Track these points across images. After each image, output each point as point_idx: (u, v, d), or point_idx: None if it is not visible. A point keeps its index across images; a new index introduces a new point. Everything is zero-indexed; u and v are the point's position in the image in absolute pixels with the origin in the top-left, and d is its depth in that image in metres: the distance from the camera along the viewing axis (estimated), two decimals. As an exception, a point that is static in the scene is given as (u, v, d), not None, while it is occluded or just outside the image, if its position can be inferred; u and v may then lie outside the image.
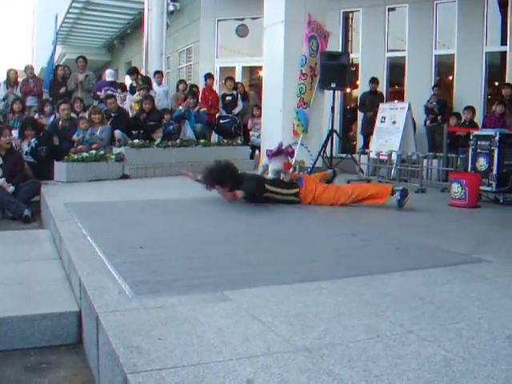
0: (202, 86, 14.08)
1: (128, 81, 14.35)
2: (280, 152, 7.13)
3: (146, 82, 12.94)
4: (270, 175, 6.98)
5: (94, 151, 9.37)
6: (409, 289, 3.30)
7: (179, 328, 2.54)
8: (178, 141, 10.71)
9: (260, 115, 12.11)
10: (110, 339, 2.38)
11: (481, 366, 2.25)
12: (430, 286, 3.37)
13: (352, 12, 15.07)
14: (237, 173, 6.77)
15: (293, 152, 7.59)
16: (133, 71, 14.49)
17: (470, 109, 11.22)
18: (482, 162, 7.53)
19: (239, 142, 12.13)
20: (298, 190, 6.77)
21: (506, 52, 12.49)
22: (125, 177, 9.53)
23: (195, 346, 2.35)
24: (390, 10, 14.27)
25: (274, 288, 3.19)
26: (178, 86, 13.84)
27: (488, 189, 7.45)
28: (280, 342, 2.41)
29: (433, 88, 12.69)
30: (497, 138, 7.36)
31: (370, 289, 3.26)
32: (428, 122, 12.32)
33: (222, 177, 6.57)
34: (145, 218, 5.66)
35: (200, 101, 12.62)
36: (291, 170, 7.97)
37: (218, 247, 4.26)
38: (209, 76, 13.51)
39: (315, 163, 10.74)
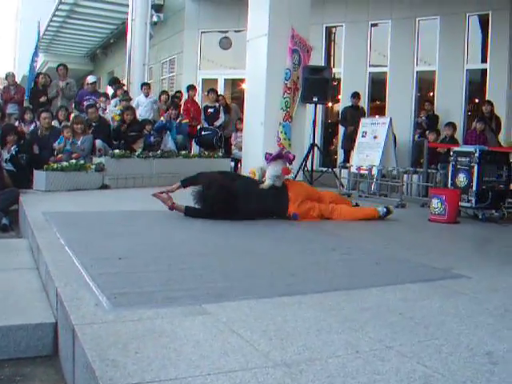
0: (184, 97, 14.07)
1: (110, 91, 14.31)
2: (280, 156, 6.93)
3: (127, 93, 12.94)
4: (268, 181, 6.70)
5: (74, 161, 9.30)
6: (388, 304, 3.30)
7: (157, 341, 2.51)
8: (158, 152, 10.67)
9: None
10: (86, 352, 2.35)
11: (460, 382, 2.24)
12: (410, 302, 3.37)
13: (335, 27, 15.18)
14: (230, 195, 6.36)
15: (293, 158, 7.33)
16: (114, 81, 14.47)
17: (451, 125, 11.31)
18: (461, 178, 7.56)
19: (220, 154, 12.11)
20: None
21: (486, 69, 12.63)
22: (105, 187, 9.47)
23: (173, 359, 2.32)
24: (372, 25, 14.40)
25: (253, 302, 3.17)
26: (160, 97, 13.83)
27: (467, 205, 7.49)
28: (259, 357, 2.39)
29: (426, 103, 12.81)
30: (477, 155, 7.40)
31: (350, 303, 3.25)
32: (416, 137, 12.40)
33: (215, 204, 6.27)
34: (124, 228, 5.62)
35: (182, 112, 12.59)
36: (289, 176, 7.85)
37: (198, 259, 4.23)
38: (191, 87, 13.50)
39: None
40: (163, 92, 14.55)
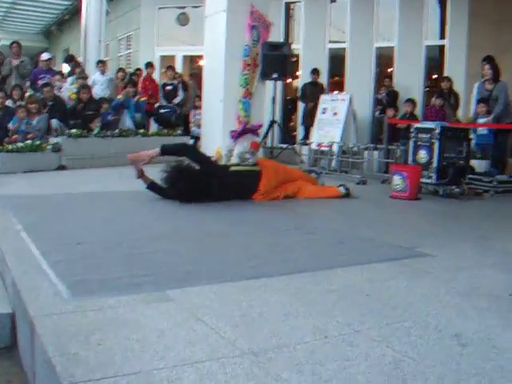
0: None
1: (65, 69, 13.98)
2: (245, 132, 6.68)
3: (83, 71, 12.67)
4: (235, 159, 6.51)
5: (29, 141, 9.07)
6: (354, 285, 3.26)
7: (119, 332, 2.41)
8: (116, 131, 10.47)
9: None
10: (46, 346, 2.24)
11: (430, 366, 2.21)
12: (376, 282, 3.33)
13: (294, 3, 15.04)
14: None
15: (260, 127, 7.11)
16: (70, 59, 14.17)
17: (411, 101, 11.33)
18: (422, 155, 7.58)
19: (179, 132, 11.96)
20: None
21: (444, 46, 12.67)
22: (62, 168, 9.27)
23: (136, 351, 2.23)
24: (331, 1, 14.30)
25: (217, 286, 3.09)
26: (117, 75, 13.55)
27: (428, 181, 7.51)
28: (225, 346, 2.32)
29: (386, 79, 12.81)
30: (437, 131, 7.42)
31: (316, 285, 3.20)
32: (377, 113, 12.41)
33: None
34: (83, 211, 5.48)
35: (140, 90, 12.36)
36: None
37: (160, 243, 4.13)
38: (149, 65, 13.26)
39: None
40: (120, 69, 14.25)
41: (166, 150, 6.41)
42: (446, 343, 2.45)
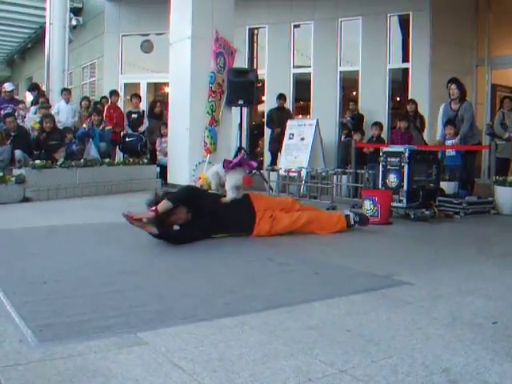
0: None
1: (29, 97, 13.78)
2: (241, 163, 6.18)
3: (47, 100, 12.47)
4: (230, 194, 5.91)
5: (-8, 173, 8.85)
6: (334, 320, 3.15)
7: (90, 382, 2.26)
8: (81, 160, 10.28)
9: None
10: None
11: (421, 409, 2.11)
12: (356, 315, 3.23)
13: (258, 28, 15.08)
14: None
15: (256, 165, 6.62)
16: (34, 87, 13.96)
17: (378, 125, 11.36)
18: (392, 179, 7.55)
19: (145, 160, 11.82)
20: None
21: (408, 69, 12.78)
22: (26, 200, 9.05)
23: (110, 404, 2.09)
24: (295, 26, 14.39)
25: (192, 326, 2.94)
26: (81, 103, 13.39)
27: (399, 205, 7.48)
28: (204, 393, 2.19)
29: (351, 103, 12.86)
30: (406, 155, 7.40)
31: (294, 322, 3.08)
32: (343, 137, 12.43)
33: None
34: (48, 246, 5.28)
35: (105, 118, 12.19)
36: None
37: (130, 280, 3.96)
38: (114, 93, 13.12)
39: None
40: (84, 98, 14.11)
41: (177, 201, 5.50)
42: (436, 380, 2.35)
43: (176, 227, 5.62)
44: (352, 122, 12.34)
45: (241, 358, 2.54)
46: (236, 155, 11.00)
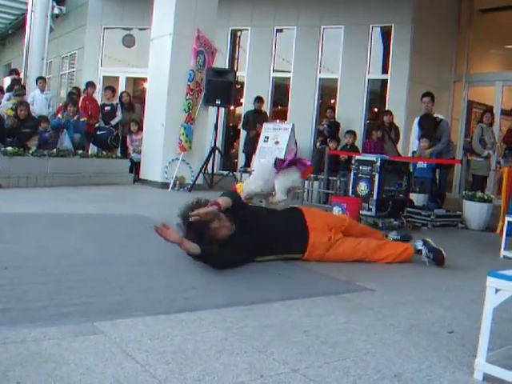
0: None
1: (7, 82, 13.64)
2: (295, 162, 5.39)
3: (24, 87, 12.34)
4: (279, 195, 5.14)
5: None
6: (292, 320, 3.16)
7: (42, 368, 2.24)
8: (54, 150, 10.18)
9: (138, 131, 11.84)
10: (-42, 382, 2.07)
11: (369, 411, 2.13)
12: (314, 317, 3.24)
13: (241, 30, 15.10)
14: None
15: (310, 163, 5.85)
16: (12, 73, 13.88)
17: (352, 133, 11.43)
18: (362, 187, 7.60)
19: (118, 154, 11.76)
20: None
21: (387, 80, 12.88)
22: (-5, 186, 8.94)
23: (58, 390, 2.08)
24: (278, 31, 14.42)
25: (149, 319, 2.94)
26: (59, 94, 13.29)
27: (368, 213, 7.53)
28: (155, 385, 2.19)
29: (329, 110, 12.91)
30: (378, 164, 7.46)
31: (252, 320, 3.09)
32: (318, 144, 12.47)
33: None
34: (13, 233, 5.21)
35: (80, 110, 12.09)
36: None
37: (92, 270, 3.94)
38: (90, 84, 12.98)
39: (196, 180, 10.62)
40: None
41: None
42: (386, 384, 2.38)
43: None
44: (328, 129, 12.38)
45: (195, 352, 2.54)
46: (210, 155, 11.02)
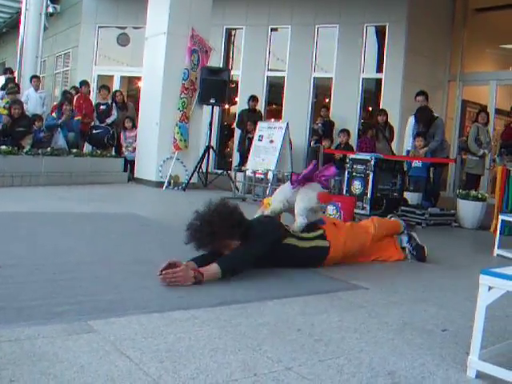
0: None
1: (1, 81, 13.61)
2: (314, 176, 4.72)
3: (18, 86, 12.30)
4: (299, 220, 4.51)
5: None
6: (286, 318, 3.16)
7: (35, 366, 2.23)
8: (48, 149, 10.17)
9: (132, 127, 11.82)
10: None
11: (362, 408, 2.13)
12: (308, 316, 3.25)
13: (235, 29, 15.11)
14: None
15: (334, 172, 5.10)
16: (6, 71, 13.87)
17: (346, 132, 11.46)
18: (357, 186, 7.63)
19: (113, 153, 11.75)
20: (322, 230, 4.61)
21: (381, 79, 12.89)
22: (-11, 185, 8.92)
23: (52, 388, 2.07)
24: (272, 30, 14.43)
25: (143, 317, 2.94)
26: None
27: (362, 212, 7.55)
28: (148, 383, 2.17)
29: (323, 109, 12.92)
30: (372, 163, 7.48)
31: (246, 318, 3.09)
32: (313, 143, 12.48)
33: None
34: (7, 232, 5.21)
35: (74, 109, 12.07)
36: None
37: (87, 269, 3.94)
38: (84, 83, 12.98)
39: (190, 178, 10.62)
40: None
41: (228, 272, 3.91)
42: (380, 382, 2.38)
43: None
44: (323, 128, 12.40)
45: (189, 350, 2.54)
46: (204, 153, 11.00)
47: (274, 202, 4.72)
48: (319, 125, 12.53)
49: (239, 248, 4.00)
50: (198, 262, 3.88)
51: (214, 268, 3.79)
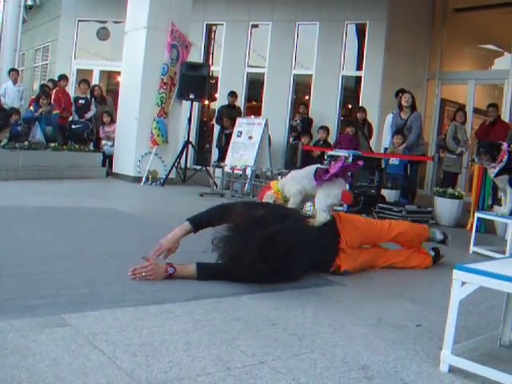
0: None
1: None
2: (343, 172, 4.44)
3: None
4: (322, 214, 4.31)
5: None
6: (261, 313, 3.16)
7: (7, 360, 2.21)
8: (26, 143, 10.07)
9: (111, 122, 11.77)
10: None
11: (334, 402, 2.14)
12: (283, 311, 3.25)
13: (216, 25, 15.07)
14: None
15: (357, 167, 5.10)
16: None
17: (325, 129, 11.48)
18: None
19: (91, 148, 11.68)
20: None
21: (361, 77, 12.94)
22: (-35, 179, 8.83)
23: (24, 382, 2.04)
24: (253, 26, 14.41)
25: (118, 311, 2.92)
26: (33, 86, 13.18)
27: (340, 208, 7.54)
28: (122, 376, 2.16)
29: (302, 106, 12.92)
30: (350, 160, 7.49)
31: (220, 313, 3.09)
32: (291, 140, 12.50)
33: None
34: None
35: (52, 102, 11.97)
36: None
37: (62, 263, 3.91)
38: (63, 77, 12.87)
39: (169, 174, 10.59)
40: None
41: (199, 224, 4.03)
42: (353, 376, 2.39)
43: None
44: (301, 125, 12.42)
45: (163, 344, 2.54)
46: (183, 149, 10.95)
47: (293, 194, 4.40)
48: (298, 121, 12.54)
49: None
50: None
51: (191, 270, 3.76)
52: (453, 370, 2.54)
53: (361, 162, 5.03)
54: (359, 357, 2.63)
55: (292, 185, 4.46)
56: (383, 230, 4.77)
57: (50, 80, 13.70)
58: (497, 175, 6.00)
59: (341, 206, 4.55)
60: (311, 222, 4.30)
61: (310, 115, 12.85)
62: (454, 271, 2.53)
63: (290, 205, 4.40)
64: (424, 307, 3.66)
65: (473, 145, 11.85)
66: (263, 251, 3.52)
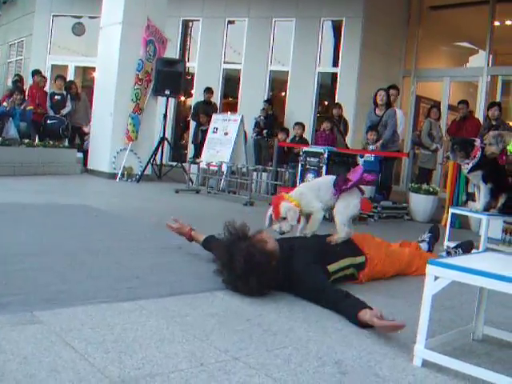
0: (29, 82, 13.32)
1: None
2: (362, 181, 4.28)
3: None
4: (343, 229, 4.10)
5: None
6: (235, 309, 3.16)
7: (-24, 357, 2.20)
8: (-1, 139, 9.96)
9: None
10: None
11: (308, 397, 2.13)
12: (258, 306, 3.24)
13: (192, 21, 15.01)
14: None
15: (373, 180, 4.74)
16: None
17: (300, 125, 11.49)
18: (310, 178, 7.64)
19: (66, 144, 11.58)
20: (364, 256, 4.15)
21: (337, 73, 12.97)
22: None
23: (-8, 379, 2.03)
24: (229, 22, 14.38)
25: (90, 308, 2.90)
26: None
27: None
28: (93, 373, 2.14)
29: (264, 103, 12.88)
30: (325, 156, 7.51)
31: (194, 309, 3.08)
32: (254, 135, 12.49)
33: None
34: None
35: (27, 98, 11.84)
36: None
37: (35, 260, 3.86)
38: (37, 73, 12.75)
39: (144, 170, 10.54)
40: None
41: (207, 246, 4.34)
42: (327, 371, 2.39)
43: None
44: (264, 121, 12.40)
45: (135, 341, 2.52)
46: (158, 145, 10.91)
47: (317, 210, 4.17)
48: (261, 117, 12.51)
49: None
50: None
51: (201, 238, 4.51)
52: (426, 364, 2.56)
53: (372, 176, 4.62)
54: (333, 352, 2.63)
55: (312, 198, 4.22)
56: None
57: (17, 75, 13.57)
58: (470, 171, 6.04)
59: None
60: (332, 240, 4.11)
61: (286, 111, 12.85)
62: (427, 266, 2.54)
63: (314, 221, 4.20)
64: (398, 301, 3.69)
65: (447, 141, 11.94)
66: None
